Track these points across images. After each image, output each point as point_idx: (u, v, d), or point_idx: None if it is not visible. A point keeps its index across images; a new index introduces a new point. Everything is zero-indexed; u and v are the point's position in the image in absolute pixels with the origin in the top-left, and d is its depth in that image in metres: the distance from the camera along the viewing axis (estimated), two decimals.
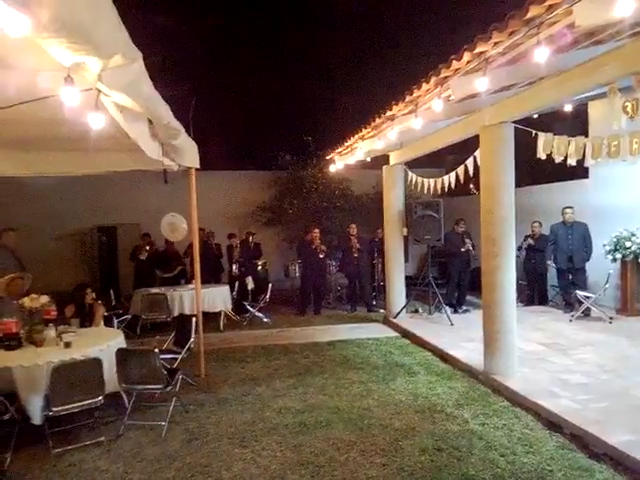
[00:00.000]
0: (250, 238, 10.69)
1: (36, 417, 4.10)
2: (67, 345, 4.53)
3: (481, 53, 3.83)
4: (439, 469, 3.62)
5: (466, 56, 3.92)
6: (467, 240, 9.03)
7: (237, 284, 9.66)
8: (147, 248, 10.10)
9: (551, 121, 7.61)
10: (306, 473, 3.63)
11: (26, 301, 4.96)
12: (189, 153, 5.42)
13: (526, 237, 9.21)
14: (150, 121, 3.70)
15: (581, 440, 3.92)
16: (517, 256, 9.10)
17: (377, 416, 4.63)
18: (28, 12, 1.57)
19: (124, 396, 4.78)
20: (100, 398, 4.22)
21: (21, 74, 2.69)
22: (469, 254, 9.10)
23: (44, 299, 5.03)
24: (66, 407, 4.07)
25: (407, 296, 8.95)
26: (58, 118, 3.21)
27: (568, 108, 7.11)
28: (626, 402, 4.46)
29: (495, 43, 3.63)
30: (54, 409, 4.02)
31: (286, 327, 8.79)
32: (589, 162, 5.08)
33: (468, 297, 9.56)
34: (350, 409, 4.81)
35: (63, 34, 1.82)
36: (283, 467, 3.73)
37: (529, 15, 3.17)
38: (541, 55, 3.34)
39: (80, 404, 4.14)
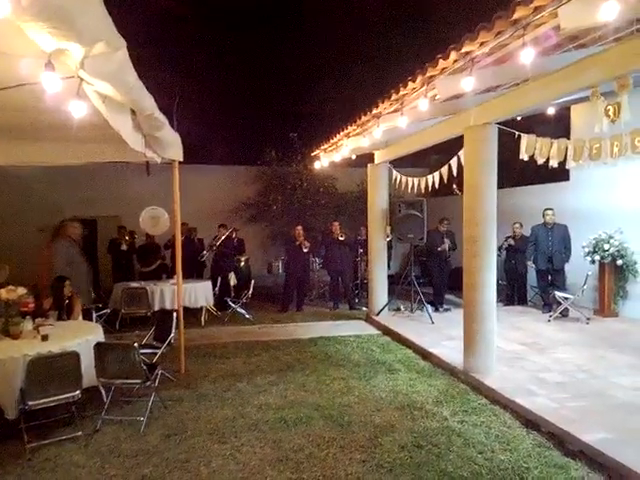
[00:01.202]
0: (234, 234, 10.63)
1: (11, 411, 4.02)
2: (44, 338, 4.45)
3: (468, 53, 3.86)
4: (418, 465, 3.65)
5: (453, 55, 3.94)
6: (445, 239, 9.10)
7: (219, 279, 9.60)
8: (127, 238, 9.96)
9: (534, 123, 7.69)
10: (285, 469, 3.63)
11: (3, 293, 4.85)
12: (173, 146, 5.36)
13: (507, 237, 9.33)
14: (133, 112, 3.64)
15: (557, 438, 3.98)
16: (498, 255, 9.27)
17: (357, 413, 4.64)
18: None
19: (102, 391, 4.71)
20: (77, 392, 4.15)
21: (1, 59, 2.62)
22: (444, 254, 9.16)
23: (21, 291, 4.93)
24: (42, 401, 4.00)
25: (389, 294, 8.99)
26: (39, 106, 3.15)
27: (551, 111, 7.20)
28: (602, 401, 4.54)
29: (482, 43, 3.66)
30: (30, 403, 3.94)
31: (268, 323, 8.77)
32: (571, 164, 5.16)
33: (449, 296, 9.66)
34: (331, 406, 4.82)
35: (43, 17, 1.78)
36: (262, 463, 3.72)
37: (515, 16, 3.20)
38: (526, 56, 3.38)
39: (57, 398, 4.07)
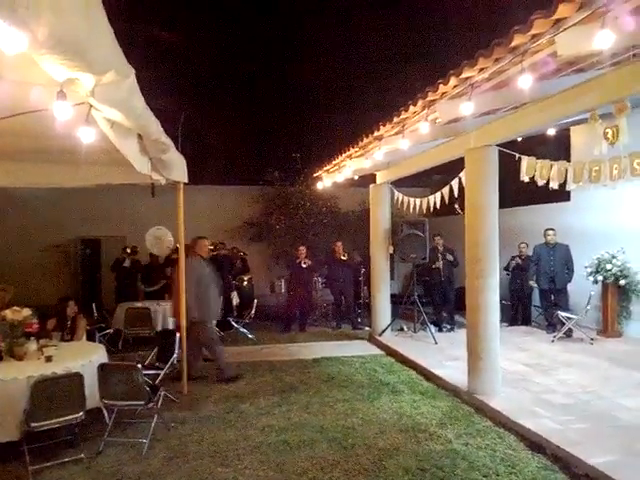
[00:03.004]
0: (233, 253, 10.73)
1: (14, 432, 4.01)
2: (48, 359, 4.46)
3: (467, 78, 3.94)
4: None
5: (452, 80, 4.02)
6: (446, 255, 9.11)
7: (222, 299, 9.60)
8: (128, 251, 9.98)
9: (534, 144, 7.77)
10: None
11: (8, 314, 4.88)
12: (177, 167, 5.44)
13: (513, 257, 9.33)
14: (140, 136, 3.72)
15: (563, 461, 3.94)
16: (507, 275, 9.28)
17: (361, 435, 4.62)
18: (26, 29, 1.60)
19: (105, 412, 4.70)
20: (81, 414, 4.14)
21: (13, 87, 2.70)
22: (440, 271, 9.15)
23: (26, 312, 4.95)
24: (46, 423, 3.99)
25: (392, 314, 8.98)
26: (48, 131, 3.22)
27: (551, 132, 7.29)
28: (607, 423, 4.51)
29: (481, 69, 3.74)
30: (33, 424, 3.94)
31: (271, 343, 8.75)
32: (571, 186, 5.20)
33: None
34: (334, 428, 4.79)
35: (59, 51, 1.85)
36: None
37: (514, 43, 3.28)
38: (525, 82, 3.45)
39: (60, 420, 4.06)
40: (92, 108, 2.71)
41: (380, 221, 8.95)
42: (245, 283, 10.66)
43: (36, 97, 2.70)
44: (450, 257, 9.12)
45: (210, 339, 6.53)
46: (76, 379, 4.14)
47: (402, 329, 9.16)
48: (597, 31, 2.73)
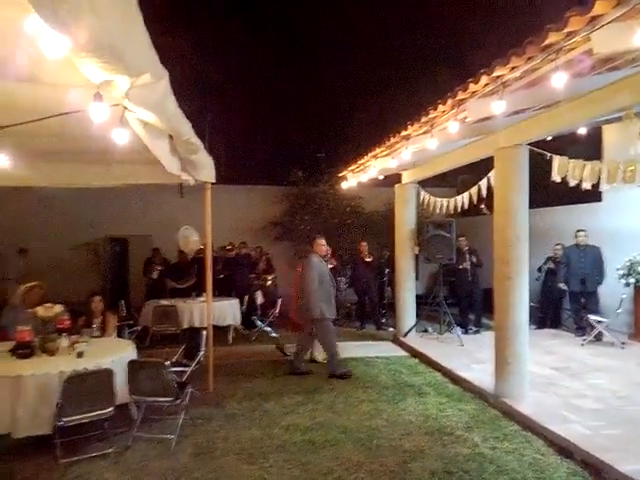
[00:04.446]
0: (255, 252, 10.84)
1: (47, 426, 4.11)
2: (80, 355, 4.55)
3: (498, 77, 3.88)
4: None
5: (483, 79, 3.97)
6: (467, 256, 9.01)
7: (246, 298, 9.68)
8: (157, 267, 10.14)
9: (565, 143, 7.61)
10: None
11: (40, 310, 5.01)
12: (206, 168, 5.50)
13: (547, 259, 9.15)
14: (170, 136, 3.77)
15: (593, 467, 3.86)
16: (537, 279, 9.09)
17: (386, 436, 4.59)
18: (68, 33, 1.63)
19: (133, 408, 4.78)
20: (111, 409, 4.22)
21: (53, 90, 2.76)
22: (467, 271, 9.05)
23: (58, 308, 5.09)
24: (77, 417, 4.08)
25: (417, 315, 8.91)
26: (83, 132, 3.28)
27: (582, 131, 7.11)
28: (639, 429, 4.39)
29: (513, 67, 3.68)
30: (65, 419, 4.03)
31: (295, 343, 8.74)
32: (604, 186, 5.08)
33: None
34: (359, 428, 4.78)
35: (98, 54, 1.89)
36: None
37: (547, 41, 3.21)
38: (559, 80, 3.37)
39: (91, 414, 4.14)
40: (126, 110, 2.76)
41: (405, 221, 8.89)
42: (269, 282, 10.72)
43: (73, 99, 2.76)
44: (474, 258, 9.02)
45: (328, 336, 6.68)
46: (106, 375, 4.22)
47: (427, 330, 9.09)
48: (636, 28, 2.66)
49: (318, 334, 6.71)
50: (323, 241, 7.00)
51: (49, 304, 5.14)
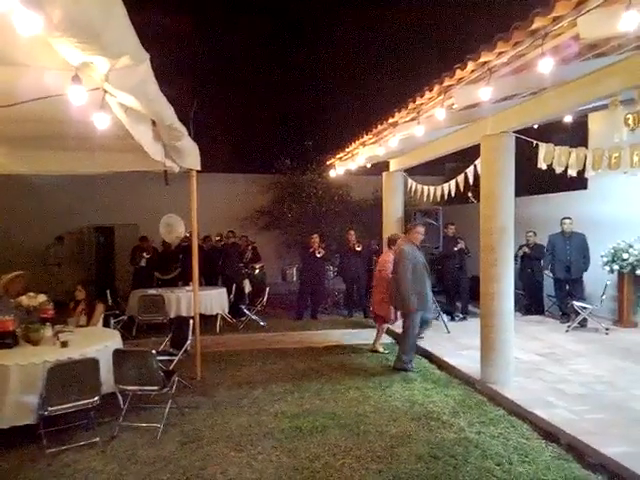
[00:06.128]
0: (241, 241, 10.80)
1: (31, 416, 4.08)
2: (64, 344, 4.51)
3: (485, 63, 3.85)
4: (435, 477, 3.62)
5: (470, 65, 3.94)
6: (453, 244, 9.07)
7: (234, 287, 9.65)
8: (144, 255, 10.05)
9: (551, 131, 7.64)
10: (301, 478, 3.62)
11: (24, 300, 4.95)
12: (191, 155, 5.43)
13: (521, 246, 9.24)
14: (154, 122, 3.70)
15: (577, 451, 3.92)
16: (515, 263, 9.18)
17: (373, 422, 4.62)
18: (41, 11, 1.58)
19: (119, 397, 4.75)
20: (96, 398, 4.21)
21: (29, 72, 2.69)
22: (462, 255, 9.10)
23: (41, 298, 5.03)
24: (62, 407, 4.06)
25: None
26: (63, 117, 3.21)
27: (568, 119, 7.14)
28: (622, 414, 4.47)
29: (499, 53, 3.66)
30: (50, 408, 4.00)
31: (282, 331, 8.77)
32: (589, 173, 5.11)
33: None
34: (346, 415, 4.80)
35: (73, 33, 1.83)
36: (278, 472, 3.72)
37: (534, 26, 3.19)
38: (545, 66, 3.36)
39: (76, 404, 4.13)
40: (107, 93, 2.70)
41: (393, 209, 8.89)
42: (257, 271, 10.69)
43: (51, 82, 2.69)
44: (462, 246, 9.07)
45: (413, 327, 6.28)
46: (91, 364, 4.19)
47: None
48: (622, 12, 2.65)
49: (405, 323, 6.37)
50: (420, 228, 6.50)
51: (32, 293, 5.07)
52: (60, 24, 1.70)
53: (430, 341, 7.29)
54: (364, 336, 8.28)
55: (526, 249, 9.22)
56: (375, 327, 9.11)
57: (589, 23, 2.95)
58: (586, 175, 5.28)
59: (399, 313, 6.76)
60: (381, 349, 7.26)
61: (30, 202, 11.38)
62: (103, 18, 1.89)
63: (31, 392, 4.09)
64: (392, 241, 7.09)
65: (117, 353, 4.48)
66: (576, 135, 8.86)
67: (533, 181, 10.26)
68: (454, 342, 7.33)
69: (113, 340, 4.97)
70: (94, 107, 2.77)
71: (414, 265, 6.17)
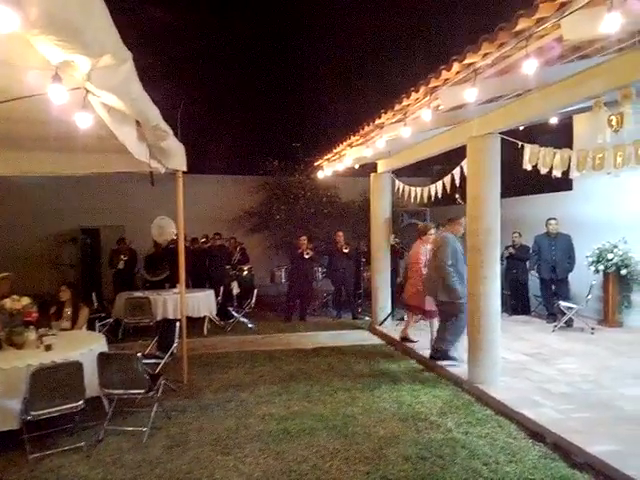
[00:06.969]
0: (229, 243, 10.75)
1: (14, 421, 4.01)
2: (48, 348, 4.45)
3: (470, 64, 3.87)
4: (422, 478, 3.61)
5: (455, 66, 3.96)
6: None
7: (222, 289, 9.59)
8: (122, 257, 9.97)
9: (536, 133, 7.70)
10: None
11: (7, 302, 4.87)
12: (177, 156, 5.39)
13: (507, 247, 9.31)
14: (138, 122, 3.66)
15: (563, 450, 3.94)
16: (501, 264, 9.26)
17: (361, 424, 4.61)
18: (17, 8, 1.55)
19: (105, 401, 4.69)
20: (81, 402, 4.14)
21: (8, 71, 2.64)
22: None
23: (25, 301, 4.95)
24: (46, 411, 3.99)
25: (393, 304, 8.96)
26: (45, 117, 3.17)
27: (554, 120, 7.20)
28: (608, 412, 4.50)
29: (484, 54, 3.68)
30: (33, 413, 3.93)
31: (271, 333, 8.74)
32: (574, 174, 5.15)
33: None
34: (334, 417, 4.79)
35: (52, 31, 1.80)
36: (266, 474, 3.69)
37: (518, 27, 3.22)
38: (529, 67, 3.39)
39: (60, 408, 4.06)
40: (89, 93, 2.66)
41: (381, 210, 8.90)
42: (245, 273, 10.65)
43: (32, 81, 2.64)
44: None
45: (455, 316, 6.14)
46: (75, 368, 4.13)
47: (402, 319, 9.12)
48: (604, 14, 2.67)
49: (446, 311, 6.22)
50: (464, 222, 6.27)
51: (16, 296, 4.99)
52: (37, 21, 1.67)
53: (418, 342, 7.30)
54: (353, 337, 8.28)
55: (512, 250, 9.31)
56: (363, 328, 9.14)
57: (572, 25, 2.98)
58: (571, 176, 5.32)
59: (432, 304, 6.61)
60: (413, 337, 7.31)
61: (13, 204, 11.22)
62: (83, 16, 1.86)
63: (14, 396, 4.01)
64: (422, 232, 7.23)
65: (102, 356, 4.42)
66: (562, 137, 8.90)
67: (519, 182, 10.34)
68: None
69: (98, 343, 4.91)
70: (76, 107, 2.73)
71: (453, 251, 6.13)
